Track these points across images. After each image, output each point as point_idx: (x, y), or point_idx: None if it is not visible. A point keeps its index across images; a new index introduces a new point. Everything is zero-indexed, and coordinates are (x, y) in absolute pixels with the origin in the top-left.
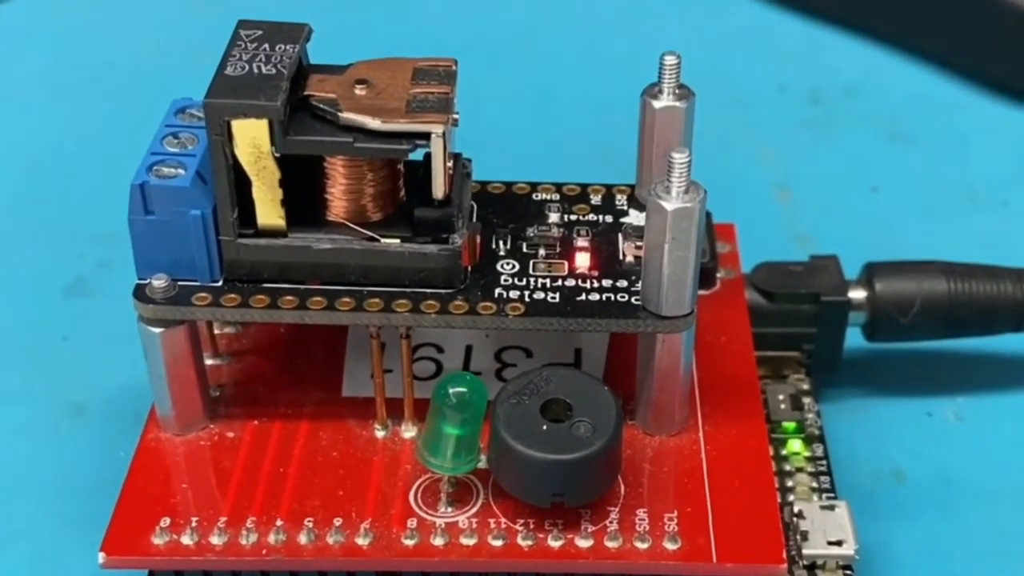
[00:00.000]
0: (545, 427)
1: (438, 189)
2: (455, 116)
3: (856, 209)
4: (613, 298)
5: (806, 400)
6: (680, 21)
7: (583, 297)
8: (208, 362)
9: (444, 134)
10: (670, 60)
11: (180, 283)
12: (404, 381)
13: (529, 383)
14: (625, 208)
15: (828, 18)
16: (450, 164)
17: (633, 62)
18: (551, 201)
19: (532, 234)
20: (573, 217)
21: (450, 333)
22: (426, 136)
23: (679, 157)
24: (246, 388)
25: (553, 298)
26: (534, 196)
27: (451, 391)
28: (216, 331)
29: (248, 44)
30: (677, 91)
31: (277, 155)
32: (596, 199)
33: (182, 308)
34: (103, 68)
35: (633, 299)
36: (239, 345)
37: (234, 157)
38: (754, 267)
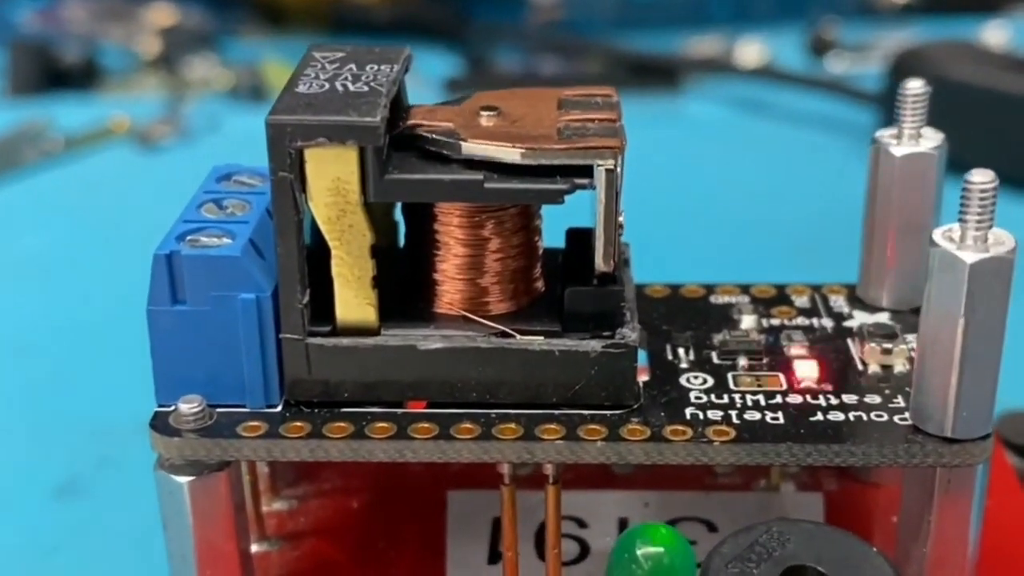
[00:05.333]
0: None
1: (603, 257)
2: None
3: None
4: (865, 418)
5: None
6: None
7: (819, 417)
8: (252, 548)
9: (616, 167)
10: (913, 87)
11: (219, 409)
12: (549, 556)
13: (754, 544)
14: (846, 311)
15: None
16: (621, 220)
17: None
18: (738, 304)
19: (723, 341)
20: (775, 322)
21: (596, 501)
22: (588, 172)
23: (980, 181)
24: None
25: (775, 419)
26: (711, 299)
27: (640, 552)
28: (264, 507)
29: (326, 64)
30: (922, 132)
31: (369, 202)
32: (801, 301)
33: (222, 443)
34: (98, 248)
35: (896, 418)
36: (294, 525)
37: (307, 209)
38: (997, 416)
